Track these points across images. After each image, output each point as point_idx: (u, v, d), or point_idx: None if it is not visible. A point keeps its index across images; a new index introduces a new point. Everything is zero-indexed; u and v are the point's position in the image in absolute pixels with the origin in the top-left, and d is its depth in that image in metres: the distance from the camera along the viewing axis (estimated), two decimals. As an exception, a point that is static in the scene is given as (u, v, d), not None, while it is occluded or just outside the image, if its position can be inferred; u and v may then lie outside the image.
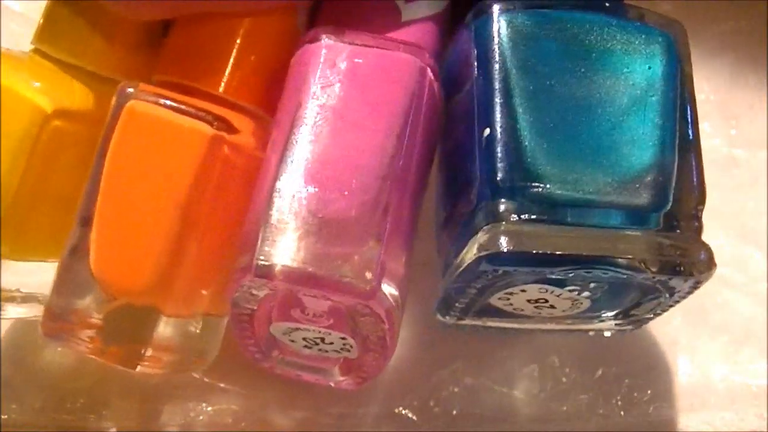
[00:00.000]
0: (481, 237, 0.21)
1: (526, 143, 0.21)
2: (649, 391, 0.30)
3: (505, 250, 0.20)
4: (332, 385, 0.26)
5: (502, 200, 0.21)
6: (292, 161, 0.21)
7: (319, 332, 0.23)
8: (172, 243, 0.23)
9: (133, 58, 0.26)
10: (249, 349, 0.25)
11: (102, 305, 0.23)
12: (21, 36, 0.32)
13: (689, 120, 0.22)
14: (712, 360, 0.30)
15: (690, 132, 0.22)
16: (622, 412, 0.29)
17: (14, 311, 0.26)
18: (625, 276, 0.21)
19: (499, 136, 0.21)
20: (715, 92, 0.34)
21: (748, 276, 0.32)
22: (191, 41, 0.26)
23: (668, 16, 0.23)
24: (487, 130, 0.21)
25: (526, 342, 0.30)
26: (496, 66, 0.21)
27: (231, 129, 0.24)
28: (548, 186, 0.21)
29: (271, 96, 0.25)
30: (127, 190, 0.23)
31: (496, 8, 0.22)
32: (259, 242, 0.21)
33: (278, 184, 0.21)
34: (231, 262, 0.22)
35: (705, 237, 0.23)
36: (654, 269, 0.21)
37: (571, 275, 0.21)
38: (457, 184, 0.23)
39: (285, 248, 0.21)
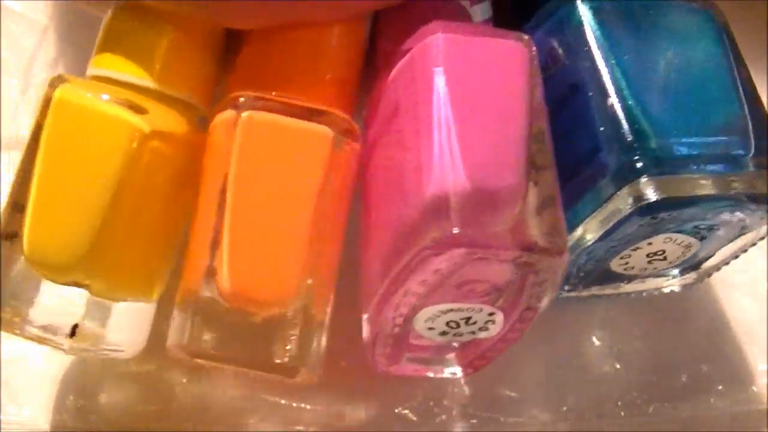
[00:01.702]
0: (628, 193, 0.23)
1: (640, 108, 0.24)
2: (648, 391, 0.30)
3: (656, 198, 0.23)
4: (448, 376, 0.27)
5: (635, 158, 0.23)
6: (446, 149, 0.22)
7: (471, 310, 0.24)
8: (306, 248, 0.23)
9: (200, 79, 0.26)
10: (384, 351, 0.25)
11: (246, 322, 0.23)
12: (21, 36, 0.32)
13: (748, 78, 0.26)
14: (712, 360, 0.30)
15: (752, 89, 0.26)
16: (622, 413, 0.29)
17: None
18: (734, 209, 0.24)
19: (619, 104, 0.24)
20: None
21: (748, 276, 0.32)
22: (268, 56, 0.25)
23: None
24: (610, 99, 0.24)
25: (526, 342, 0.30)
26: (596, 46, 0.24)
27: (351, 132, 0.24)
28: (662, 142, 0.23)
29: (350, 102, 0.26)
30: (256, 201, 0.23)
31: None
32: (452, 216, 0.21)
33: (443, 171, 0.22)
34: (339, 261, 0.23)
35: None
36: (754, 201, 0.24)
37: (698, 215, 0.24)
38: (568, 161, 0.24)
39: (474, 219, 0.21)
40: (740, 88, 0.25)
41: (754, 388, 0.30)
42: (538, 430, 0.29)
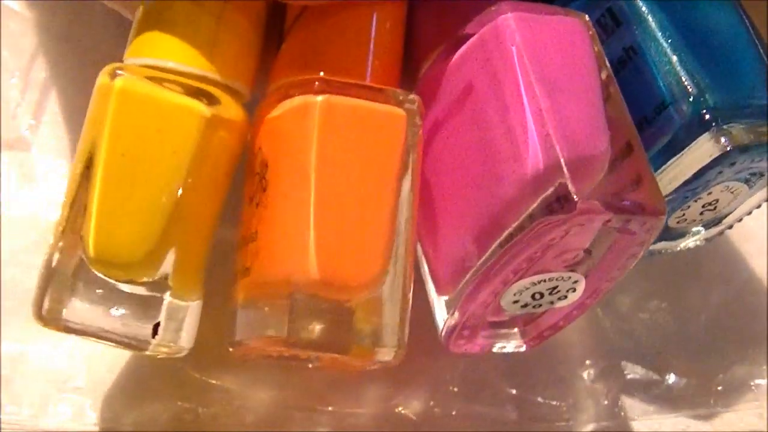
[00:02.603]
0: (706, 142, 0.24)
1: (698, 64, 0.25)
2: (648, 391, 0.30)
3: (733, 146, 0.24)
4: (513, 350, 0.27)
5: (704, 111, 0.25)
6: (542, 121, 0.23)
7: (560, 279, 0.24)
8: (388, 228, 0.23)
9: (245, 66, 0.26)
10: (466, 330, 0.25)
11: (340, 309, 0.23)
12: (21, 36, 0.32)
13: (762, 40, 0.27)
14: (712, 359, 0.30)
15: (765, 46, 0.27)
16: (622, 413, 0.29)
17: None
18: None
19: (680, 61, 0.25)
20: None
21: (749, 276, 0.32)
22: (316, 38, 0.25)
23: None
24: (673, 57, 0.25)
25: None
26: (648, 9, 0.26)
27: (419, 111, 0.24)
28: (718, 95, 0.25)
29: (393, 83, 0.26)
30: (340, 186, 0.23)
31: None
32: (569, 184, 0.22)
33: (543, 142, 0.22)
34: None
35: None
36: None
37: (756, 161, 0.25)
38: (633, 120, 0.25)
39: (584, 187, 0.22)
40: (761, 48, 0.26)
41: (754, 389, 0.30)
42: (538, 430, 0.29)
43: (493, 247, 0.23)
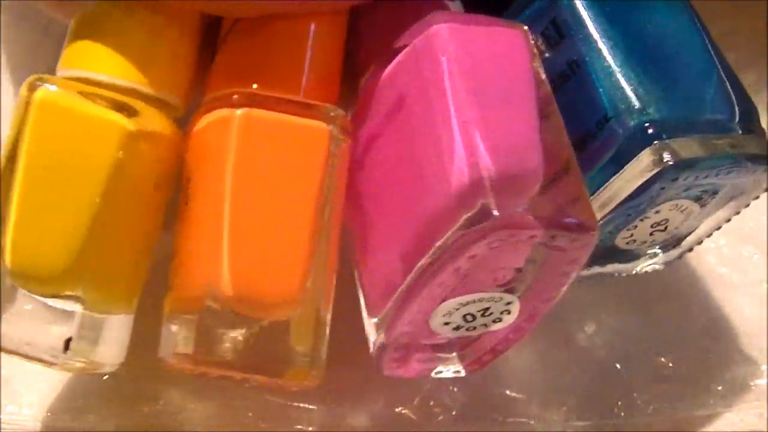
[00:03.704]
0: (648, 158, 0.23)
1: (644, 76, 0.25)
2: (648, 392, 0.30)
3: (676, 160, 0.23)
4: (450, 375, 0.27)
5: (647, 124, 0.24)
6: (469, 134, 0.22)
7: (491, 299, 0.24)
8: (307, 246, 0.22)
9: (177, 77, 0.25)
10: (398, 352, 0.25)
11: (254, 328, 0.23)
12: (21, 36, 0.32)
13: (719, 50, 0.27)
14: (712, 360, 0.30)
15: (724, 59, 0.26)
16: (622, 413, 0.29)
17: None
18: (736, 170, 0.25)
19: (624, 73, 0.24)
20: (714, 92, 0.34)
21: (748, 276, 0.32)
22: (249, 50, 0.25)
23: None
24: (616, 69, 0.24)
25: (525, 342, 0.30)
26: (592, 21, 0.25)
27: (344, 126, 0.24)
28: (663, 108, 0.24)
29: (332, 96, 0.25)
30: (256, 201, 0.22)
31: None
32: (491, 199, 0.21)
33: (470, 155, 0.22)
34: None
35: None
36: (753, 161, 0.25)
37: (722, 175, 0.25)
38: (573, 137, 0.25)
39: (509, 201, 0.22)
40: (716, 59, 0.26)
41: (754, 389, 0.30)
42: (538, 431, 0.29)
43: (419, 264, 0.22)
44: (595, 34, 0.25)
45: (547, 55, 0.26)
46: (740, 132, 0.25)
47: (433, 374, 0.27)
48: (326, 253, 0.23)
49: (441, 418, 0.29)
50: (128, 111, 0.23)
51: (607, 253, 0.28)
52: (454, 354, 0.26)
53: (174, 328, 0.23)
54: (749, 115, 0.26)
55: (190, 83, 0.26)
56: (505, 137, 0.22)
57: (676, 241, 0.28)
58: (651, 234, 0.27)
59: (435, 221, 0.22)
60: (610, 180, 0.24)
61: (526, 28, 0.25)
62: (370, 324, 0.24)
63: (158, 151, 0.24)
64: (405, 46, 0.24)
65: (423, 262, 0.22)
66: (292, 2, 0.25)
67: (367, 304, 0.25)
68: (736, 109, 0.25)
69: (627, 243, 0.27)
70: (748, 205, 0.27)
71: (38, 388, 0.28)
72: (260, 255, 0.22)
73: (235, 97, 0.23)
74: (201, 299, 0.22)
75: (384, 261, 0.24)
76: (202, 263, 0.23)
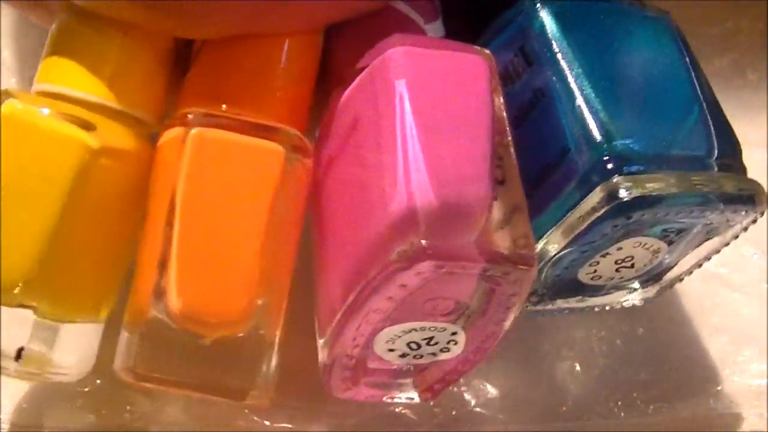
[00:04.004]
0: (601, 193, 0.23)
1: (607, 109, 0.24)
2: (648, 392, 0.30)
3: (630, 197, 0.23)
4: (405, 401, 0.26)
5: (605, 158, 0.23)
6: (411, 161, 0.22)
7: (434, 329, 0.23)
8: (256, 266, 0.22)
9: (150, 94, 0.26)
10: (342, 374, 0.25)
11: (196, 345, 0.23)
12: (21, 36, 0.32)
13: (706, 83, 0.26)
14: (711, 360, 0.30)
15: (710, 93, 0.26)
16: (622, 413, 0.29)
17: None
18: (704, 210, 0.24)
19: (587, 105, 0.24)
20: (715, 92, 0.34)
21: (748, 276, 0.32)
22: (220, 70, 0.25)
23: (655, 7, 0.27)
24: (578, 100, 0.24)
25: (524, 343, 0.30)
26: (559, 49, 0.24)
27: (303, 148, 0.24)
28: (629, 142, 0.24)
29: (301, 117, 0.26)
30: (206, 220, 0.22)
31: (539, 2, 0.25)
32: (420, 229, 0.21)
33: (409, 183, 0.22)
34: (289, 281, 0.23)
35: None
36: (725, 201, 0.24)
37: (669, 215, 0.24)
38: (536, 167, 0.24)
39: (442, 232, 0.21)
40: (699, 92, 0.25)
41: (754, 389, 0.30)
42: (538, 430, 0.29)
43: (356, 289, 0.22)
44: (563, 62, 0.24)
45: (515, 82, 0.25)
46: (716, 169, 0.24)
47: (385, 399, 0.26)
48: (278, 274, 0.23)
49: (441, 418, 0.29)
50: (91, 127, 0.23)
51: (572, 287, 0.27)
52: (410, 380, 0.26)
53: (125, 340, 0.23)
54: (730, 152, 0.25)
55: (163, 100, 0.26)
56: (451, 167, 0.22)
57: (655, 277, 0.28)
58: (617, 270, 0.26)
59: (373, 248, 0.22)
60: (567, 214, 0.24)
61: (489, 53, 0.24)
62: (319, 344, 0.24)
63: (123, 166, 0.24)
64: (365, 67, 0.24)
65: (359, 287, 0.22)
66: (257, 22, 0.25)
67: (317, 325, 0.25)
68: (715, 145, 0.25)
69: (592, 278, 0.26)
70: (727, 245, 0.27)
71: (38, 387, 0.28)
72: (208, 273, 0.22)
73: (190, 116, 0.23)
74: (146, 312, 0.23)
75: (331, 283, 0.24)
76: (152, 277, 0.23)
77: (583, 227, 0.23)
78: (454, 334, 0.24)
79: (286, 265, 0.24)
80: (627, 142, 0.23)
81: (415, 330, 0.23)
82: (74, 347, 0.25)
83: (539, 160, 0.24)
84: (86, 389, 0.28)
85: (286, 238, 0.24)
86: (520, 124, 0.25)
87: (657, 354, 0.30)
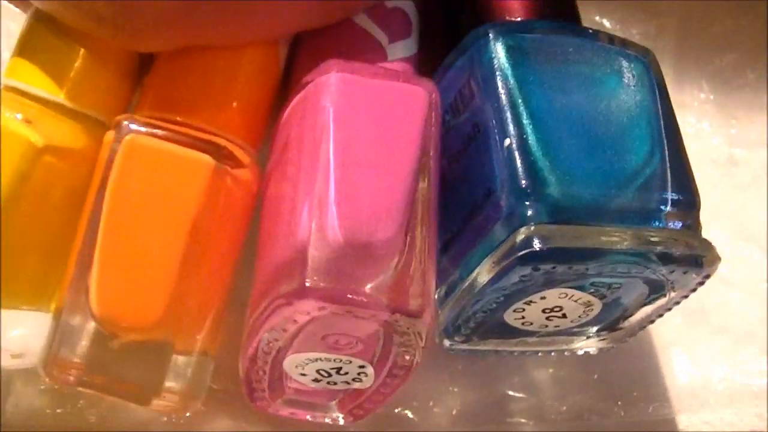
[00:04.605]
0: (513, 241, 0.22)
1: (541, 151, 0.22)
2: (648, 391, 0.30)
3: (542, 248, 0.21)
4: (328, 422, 0.26)
5: (527, 204, 0.22)
6: (323, 194, 0.22)
7: (340, 361, 0.23)
8: (176, 274, 0.23)
9: (110, 96, 0.26)
10: (258, 390, 0.25)
11: (106, 344, 0.23)
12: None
13: (674, 130, 0.24)
14: (712, 360, 0.30)
15: (677, 142, 0.24)
16: (622, 413, 0.29)
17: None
18: (640, 268, 0.23)
19: (516, 145, 0.22)
20: (715, 92, 0.34)
21: (748, 276, 0.32)
22: (177, 78, 0.25)
23: (637, 44, 0.25)
24: (508, 140, 0.22)
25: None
26: (502, 84, 0.23)
27: (235, 161, 0.24)
28: (564, 189, 0.22)
29: (257, 130, 0.26)
30: (129, 224, 0.23)
31: (492, 33, 0.24)
32: (310, 268, 0.21)
33: (313, 216, 0.21)
34: (226, 293, 0.23)
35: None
36: (665, 260, 0.23)
37: (595, 270, 0.23)
38: (465, 204, 0.24)
39: (334, 272, 0.21)
40: (664, 140, 0.24)
41: (754, 389, 0.30)
42: (538, 430, 0.29)
43: (255, 315, 0.22)
44: (503, 98, 0.23)
45: (461, 114, 0.24)
46: (666, 226, 0.23)
47: (308, 418, 0.26)
48: (206, 285, 0.24)
49: (441, 418, 0.29)
50: (36, 125, 0.24)
51: (504, 330, 0.26)
52: (333, 403, 0.26)
53: (47, 337, 0.24)
54: (686, 207, 0.24)
55: (126, 103, 0.26)
56: (363, 205, 0.21)
57: (610, 326, 0.27)
58: (548, 319, 0.25)
59: (273, 275, 0.22)
60: (487, 257, 0.23)
61: (432, 84, 0.23)
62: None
63: (72, 164, 0.24)
64: (306, 85, 0.24)
65: (257, 312, 0.22)
66: (202, 35, 0.24)
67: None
68: (671, 199, 0.23)
69: (522, 324, 0.25)
70: (687, 296, 0.25)
71: (38, 387, 0.28)
72: (126, 277, 0.23)
73: (125, 122, 0.23)
74: (66, 310, 0.23)
75: (251, 300, 0.24)
76: (75, 276, 0.23)
77: (495, 273, 0.22)
78: (362, 367, 0.24)
79: (218, 277, 0.24)
80: (564, 188, 0.22)
81: (321, 360, 0.23)
82: (20, 334, 0.25)
83: (472, 195, 0.23)
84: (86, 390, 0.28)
85: (218, 248, 0.24)
86: (459, 159, 0.24)
87: (657, 353, 0.30)
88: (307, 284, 0.21)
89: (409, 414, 0.29)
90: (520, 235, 0.22)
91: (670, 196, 0.23)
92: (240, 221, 0.25)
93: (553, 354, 0.29)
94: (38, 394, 0.28)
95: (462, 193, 0.24)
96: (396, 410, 0.29)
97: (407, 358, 0.23)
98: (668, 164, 0.24)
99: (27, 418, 0.28)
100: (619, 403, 0.29)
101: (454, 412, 0.29)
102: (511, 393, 0.29)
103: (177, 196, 0.23)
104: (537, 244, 0.21)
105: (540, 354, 0.28)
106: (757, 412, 0.30)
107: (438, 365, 0.29)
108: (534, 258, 0.22)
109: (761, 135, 0.33)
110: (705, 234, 0.24)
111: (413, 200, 0.22)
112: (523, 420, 0.29)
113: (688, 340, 0.31)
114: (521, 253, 0.22)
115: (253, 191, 0.25)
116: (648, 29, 0.35)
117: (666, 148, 0.24)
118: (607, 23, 0.35)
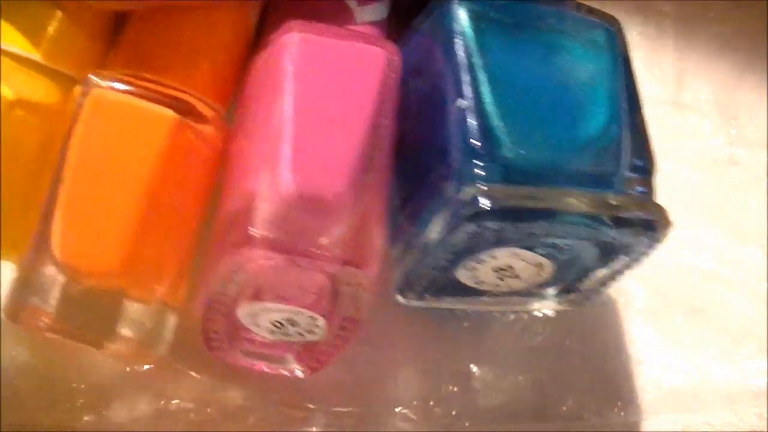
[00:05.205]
0: (460, 199, 0.23)
1: (496, 113, 0.23)
2: (648, 391, 0.30)
3: (488, 207, 0.22)
4: (286, 373, 0.27)
5: (477, 163, 0.23)
6: (277, 149, 0.22)
7: (291, 312, 0.24)
8: (136, 225, 0.23)
9: (85, 53, 0.26)
10: (214, 339, 0.25)
11: (67, 290, 0.24)
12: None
13: (635, 99, 0.25)
14: (712, 360, 0.30)
15: (637, 109, 0.25)
16: (622, 413, 0.29)
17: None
18: (591, 231, 0.23)
19: (471, 106, 0.23)
20: (715, 92, 0.34)
21: (748, 276, 0.32)
22: (149, 36, 0.26)
23: (606, 13, 0.26)
24: (464, 102, 0.23)
25: (525, 342, 0.30)
26: (462, 47, 0.24)
27: (199, 117, 0.24)
28: (518, 151, 0.23)
29: (226, 89, 0.26)
30: (91, 175, 0.23)
31: None
32: (257, 218, 0.22)
33: (266, 169, 0.22)
34: (190, 247, 0.24)
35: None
36: (617, 224, 0.23)
37: (544, 231, 0.23)
38: (422, 164, 0.24)
39: (282, 223, 0.22)
40: (624, 108, 0.24)
41: (754, 389, 0.30)
42: (537, 430, 0.29)
43: (208, 262, 0.23)
44: (461, 60, 0.23)
45: (422, 75, 0.25)
46: (620, 190, 0.23)
47: (265, 369, 0.27)
48: (169, 236, 0.24)
49: (441, 418, 0.29)
50: (10, 80, 0.24)
51: (458, 288, 0.26)
52: (290, 355, 0.26)
53: (11, 282, 0.24)
54: (642, 173, 0.24)
55: (100, 60, 0.27)
56: (316, 161, 0.22)
57: (566, 289, 0.27)
58: (501, 279, 0.25)
59: (225, 224, 0.23)
60: (437, 215, 0.23)
61: (393, 46, 0.24)
62: None
63: (44, 119, 0.25)
64: (269, 44, 0.25)
65: (207, 262, 0.23)
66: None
67: None
68: (627, 165, 0.24)
69: (476, 283, 0.26)
70: (638, 261, 0.25)
71: (39, 387, 0.28)
72: (87, 225, 0.23)
73: (93, 77, 0.24)
74: (29, 257, 0.24)
75: (204, 251, 0.25)
76: (38, 223, 0.24)
77: (445, 231, 0.23)
78: (313, 319, 0.24)
79: (180, 230, 0.25)
80: (512, 151, 0.23)
81: (273, 311, 0.24)
82: None
83: (427, 157, 0.24)
84: (82, 386, 0.28)
85: (179, 201, 0.24)
86: (419, 120, 0.25)
87: (657, 353, 0.30)
88: (253, 233, 0.21)
89: (409, 414, 0.29)
90: (468, 194, 0.22)
91: (627, 162, 0.24)
92: (204, 176, 0.25)
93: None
94: (38, 394, 0.28)
95: (420, 153, 0.24)
96: (396, 410, 0.29)
97: (355, 310, 0.24)
98: (627, 131, 0.24)
99: (27, 418, 0.28)
100: (619, 403, 0.29)
101: (454, 412, 0.29)
102: (510, 393, 0.29)
103: (138, 148, 0.24)
104: (483, 203, 0.22)
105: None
106: (757, 412, 0.30)
107: (438, 365, 0.29)
108: (481, 216, 0.22)
109: (761, 135, 0.33)
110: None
111: (367, 157, 0.23)
112: (522, 420, 0.29)
113: (688, 340, 0.31)
114: (466, 211, 0.22)
115: (218, 147, 0.25)
116: (648, 29, 0.35)
117: (625, 115, 0.24)
118: (607, 23, 0.35)
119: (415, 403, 0.29)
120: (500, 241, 0.24)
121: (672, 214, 0.24)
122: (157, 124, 0.24)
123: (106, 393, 0.28)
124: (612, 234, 0.23)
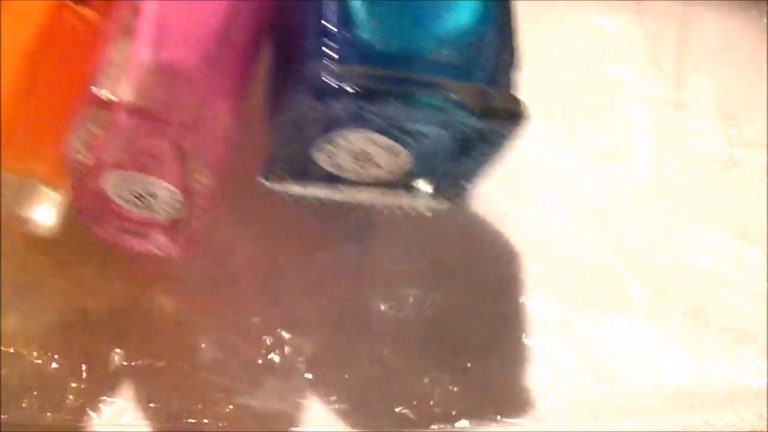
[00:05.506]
0: (307, 77, 0.23)
1: (368, 1, 0.23)
2: (648, 391, 0.30)
3: (335, 85, 0.23)
4: (157, 252, 0.27)
5: (329, 43, 0.23)
6: (133, 21, 0.23)
7: (148, 182, 0.24)
8: (13, 94, 0.24)
9: None
10: (84, 211, 0.26)
11: None
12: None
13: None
14: (712, 360, 0.30)
15: (505, 5, 0.25)
16: (622, 413, 0.29)
17: None
18: (446, 117, 0.24)
19: None
20: (715, 92, 0.34)
21: (748, 276, 0.32)
22: None
23: None
24: None
25: (529, 342, 0.30)
26: None
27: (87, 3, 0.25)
28: (376, 34, 0.23)
29: None
30: None
31: None
32: (102, 78, 0.22)
33: (122, 39, 0.23)
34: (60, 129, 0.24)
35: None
36: (474, 112, 0.24)
37: (398, 114, 0.24)
38: (289, 46, 0.25)
39: (127, 86, 0.22)
40: (490, 2, 0.25)
41: (754, 389, 0.30)
42: (537, 430, 0.29)
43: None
44: None
45: None
46: (479, 80, 0.24)
47: (137, 246, 0.27)
48: (39, 114, 0.24)
49: (441, 418, 0.29)
50: None
51: (318, 173, 0.27)
52: (160, 234, 0.27)
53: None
54: (505, 65, 0.24)
55: None
56: (171, 29, 0.23)
57: (435, 184, 0.27)
58: (360, 166, 0.26)
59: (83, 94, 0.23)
60: (286, 94, 0.24)
61: None
62: None
63: None
64: None
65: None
66: None
67: None
68: (487, 57, 0.24)
69: (336, 168, 0.26)
70: (497, 152, 0.25)
71: (38, 387, 0.28)
72: None
73: None
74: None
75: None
76: None
77: (288, 107, 0.24)
78: (172, 193, 0.25)
79: (56, 109, 0.25)
80: (369, 33, 0.23)
81: (133, 181, 0.24)
82: None
83: (292, 38, 0.24)
84: (82, 386, 0.28)
85: (56, 80, 0.25)
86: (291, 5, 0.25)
87: (657, 353, 0.30)
88: (98, 93, 0.22)
89: (409, 414, 0.29)
90: (314, 72, 0.23)
91: (492, 56, 0.24)
92: (85, 59, 0.25)
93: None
94: (38, 393, 0.28)
95: (289, 36, 0.25)
96: (396, 410, 0.29)
97: (200, 181, 0.24)
98: (493, 26, 0.24)
99: (26, 418, 0.28)
100: (619, 403, 0.30)
101: (453, 412, 0.29)
102: (510, 393, 0.29)
103: (14, 27, 0.24)
104: (329, 81, 0.22)
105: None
106: (757, 412, 0.30)
107: (438, 365, 0.29)
108: (329, 94, 0.23)
109: (761, 135, 0.33)
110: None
111: (222, 33, 0.23)
112: (522, 420, 0.29)
113: (688, 340, 0.31)
114: (313, 88, 0.23)
115: (99, 30, 0.26)
116: (648, 30, 0.35)
117: (493, 10, 0.25)
118: (607, 23, 0.35)
119: (415, 403, 0.29)
120: (354, 123, 0.24)
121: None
122: (37, 4, 0.24)
123: (106, 392, 0.28)
124: (470, 122, 0.24)
